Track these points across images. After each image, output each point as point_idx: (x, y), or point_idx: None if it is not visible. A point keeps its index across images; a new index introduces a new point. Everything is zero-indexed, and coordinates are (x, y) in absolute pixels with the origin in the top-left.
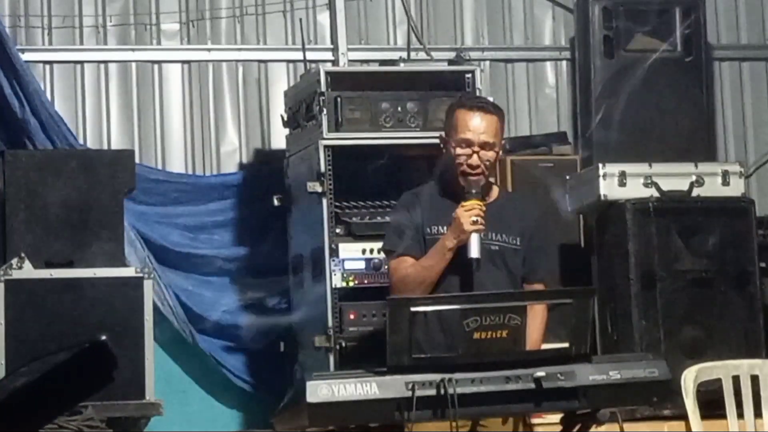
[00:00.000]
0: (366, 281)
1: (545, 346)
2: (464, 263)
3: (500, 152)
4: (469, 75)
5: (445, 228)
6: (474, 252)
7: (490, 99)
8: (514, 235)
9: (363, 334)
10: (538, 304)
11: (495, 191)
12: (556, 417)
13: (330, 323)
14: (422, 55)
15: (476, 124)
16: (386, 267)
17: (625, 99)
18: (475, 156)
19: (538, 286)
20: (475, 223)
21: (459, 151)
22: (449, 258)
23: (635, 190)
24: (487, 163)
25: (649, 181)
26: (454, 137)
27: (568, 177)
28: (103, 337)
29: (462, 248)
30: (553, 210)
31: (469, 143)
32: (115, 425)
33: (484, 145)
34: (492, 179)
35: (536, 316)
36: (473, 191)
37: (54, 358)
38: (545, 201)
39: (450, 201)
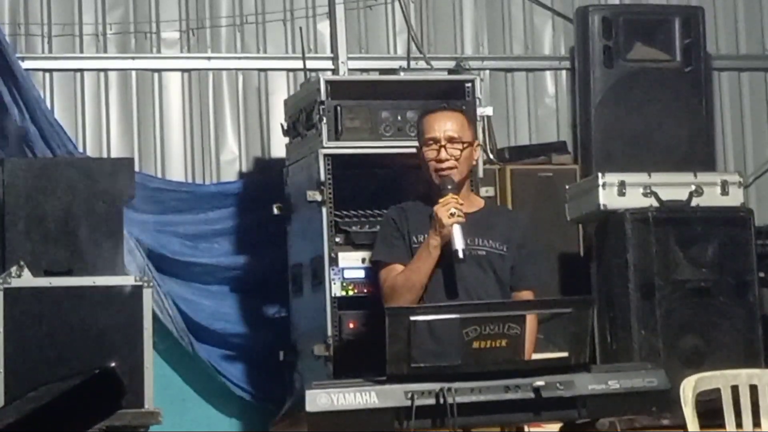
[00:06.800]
0: (365, 290)
1: (544, 355)
2: (452, 264)
3: (473, 149)
4: (468, 84)
5: None
6: (457, 243)
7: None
8: (500, 242)
9: (362, 343)
10: (537, 313)
11: (480, 202)
12: (555, 426)
13: (329, 332)
14: (422, 64)
15: (439, 122)
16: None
17: (624, 109)
18: (442, 150)
19: (527, 294)
20: (452, 215)
21: (426, 149)
22: (435, 257)
23: (634, 199)
24: (455, 154)
25: (649, 191)
26: (422, 141)
27: (567, 186)
28: (113, 364)
29: (449, 252)
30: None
31: (435, 140)
32: None
33: (449, 140)
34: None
35: (527, 325)
36: (448, 187)
37: (63, 384)
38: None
39: (432, 208)
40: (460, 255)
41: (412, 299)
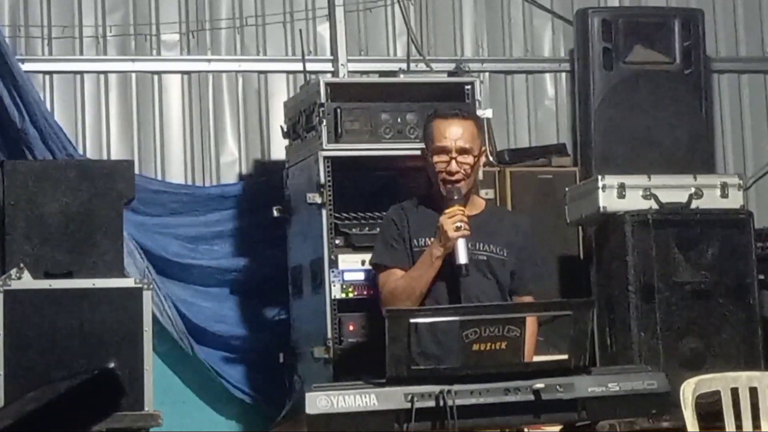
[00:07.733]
0: (365, 292)
1: (544, 358)
2: (453, 271)
3: (481, 158)
4: (468, 86)
5: (431, 239)
6: (461, 258)
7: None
8: (501, 246)
9: (362, 345)
10: (537, 315)
11: (481, 204)
12: (555, 429)
13: (329, 334)
14: (422, 66)
15: (451, 131)
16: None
17: (624, 111)
18: (453, 162)
19: (527, 299)
20: (458, 228)
21: (437, 159)
22: (437, 267)
23: (634, 202)
24: (466, 167)
25: (648, 193)
26: (432, 147)
27: (567, 189)
28: (111, 365)
29: (450, 256)
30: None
31: (445, 150)
32: None
33: (461, 151)
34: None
35: (527, 328)
36: (455, 197)
37: (62, 384)
38: (540, 215)
39: (434, 212)
40: (463, 271)
41: (410, 306)
